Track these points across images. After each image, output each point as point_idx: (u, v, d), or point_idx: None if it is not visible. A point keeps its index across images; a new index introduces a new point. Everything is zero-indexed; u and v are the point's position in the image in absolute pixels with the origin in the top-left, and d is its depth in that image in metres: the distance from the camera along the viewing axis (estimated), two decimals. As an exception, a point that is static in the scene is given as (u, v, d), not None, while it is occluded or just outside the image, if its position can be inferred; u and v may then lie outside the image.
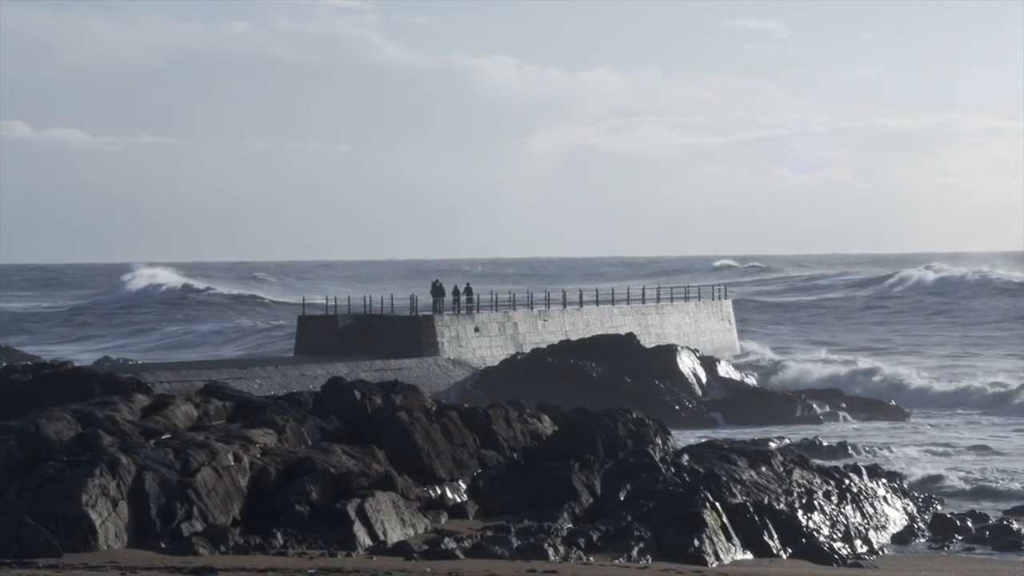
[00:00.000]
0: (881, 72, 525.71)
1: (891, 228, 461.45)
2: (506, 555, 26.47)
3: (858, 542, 34.32)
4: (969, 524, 36.40)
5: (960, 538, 35.43)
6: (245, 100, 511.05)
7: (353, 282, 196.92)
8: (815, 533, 33.28)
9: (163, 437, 29.40)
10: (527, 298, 75.75)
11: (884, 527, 36.19)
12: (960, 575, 29.94)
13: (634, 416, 38.57)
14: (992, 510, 38.76)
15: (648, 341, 72.42)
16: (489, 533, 28.59)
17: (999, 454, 51.54)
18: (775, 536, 31.66)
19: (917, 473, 45.12)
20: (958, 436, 57.57)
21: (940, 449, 52.87)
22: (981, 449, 52.77)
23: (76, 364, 47.98)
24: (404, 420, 33.07)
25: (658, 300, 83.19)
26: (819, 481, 37.06)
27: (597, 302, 78.84)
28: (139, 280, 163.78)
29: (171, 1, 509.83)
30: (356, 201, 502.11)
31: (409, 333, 66.28)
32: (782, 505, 34.15)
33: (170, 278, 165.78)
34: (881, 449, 52.06)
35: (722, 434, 53.97)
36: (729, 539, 30.55)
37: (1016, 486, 43.25)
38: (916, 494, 40.06)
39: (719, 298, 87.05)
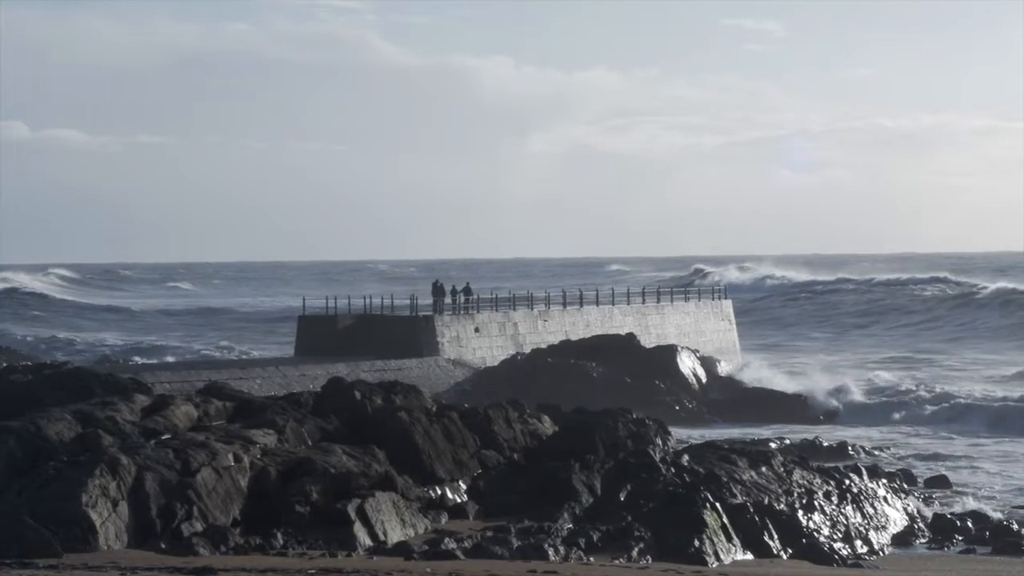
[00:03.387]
0: (880, 72, 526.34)
1: (890, 228, 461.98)
2: (506, 555, 26.46)
3: (858, 542, 34.29)
4: (969, 524, 36.35)
5: (960, 538, 35.40)
6: (243, 100, 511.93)
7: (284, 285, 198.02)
8: (815, 533, 33.25)
9: (163, 437, 29.37)
10: (527, 298, 75.73)
11: (884, 527, 36.16)
12: (960, 575, 29.91)
13: (634, 416, 38.59)
14: (992, 510, 38.72)
15: (648, 341, 72.39)
16: (489, 533, 28.58)
17: (999, 457, 51.52)
18: (775, 536, 31.63)
19: (917, 474, 45.13)
20: (957, 438, 57.54)
21: (939, 450, 52.87)
22: (981, 450, 52.77)
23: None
24: (404, 420, 33.05)
25: (658, 300, 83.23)
26: (819, 481, 37.04)
27: (597, 302, 78.81)
28: None
29: (170, 1, 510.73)
30: (355, 201, 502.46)
31: (409, 333, 66.25)
32: (782, 505, 34.12)
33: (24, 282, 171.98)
34: (881, 450, 52.05)
35: (722, 434, 53.94)
36: (729, 539, 30.52)
37: (1014, 488, 43.25)
38: (916, 494, 40.05)
39: (719, 298, 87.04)
